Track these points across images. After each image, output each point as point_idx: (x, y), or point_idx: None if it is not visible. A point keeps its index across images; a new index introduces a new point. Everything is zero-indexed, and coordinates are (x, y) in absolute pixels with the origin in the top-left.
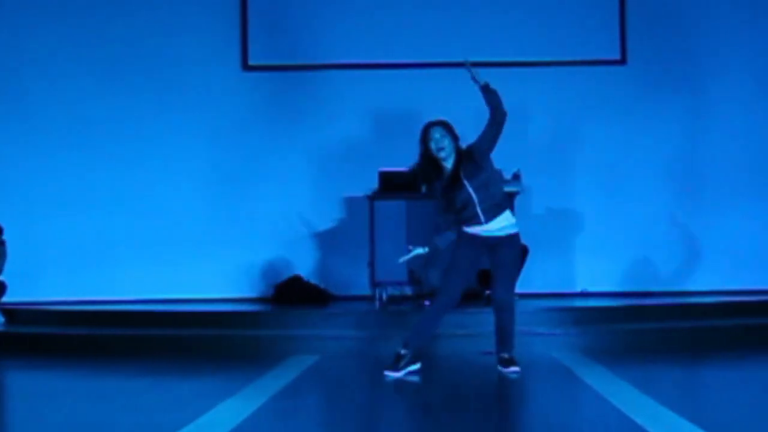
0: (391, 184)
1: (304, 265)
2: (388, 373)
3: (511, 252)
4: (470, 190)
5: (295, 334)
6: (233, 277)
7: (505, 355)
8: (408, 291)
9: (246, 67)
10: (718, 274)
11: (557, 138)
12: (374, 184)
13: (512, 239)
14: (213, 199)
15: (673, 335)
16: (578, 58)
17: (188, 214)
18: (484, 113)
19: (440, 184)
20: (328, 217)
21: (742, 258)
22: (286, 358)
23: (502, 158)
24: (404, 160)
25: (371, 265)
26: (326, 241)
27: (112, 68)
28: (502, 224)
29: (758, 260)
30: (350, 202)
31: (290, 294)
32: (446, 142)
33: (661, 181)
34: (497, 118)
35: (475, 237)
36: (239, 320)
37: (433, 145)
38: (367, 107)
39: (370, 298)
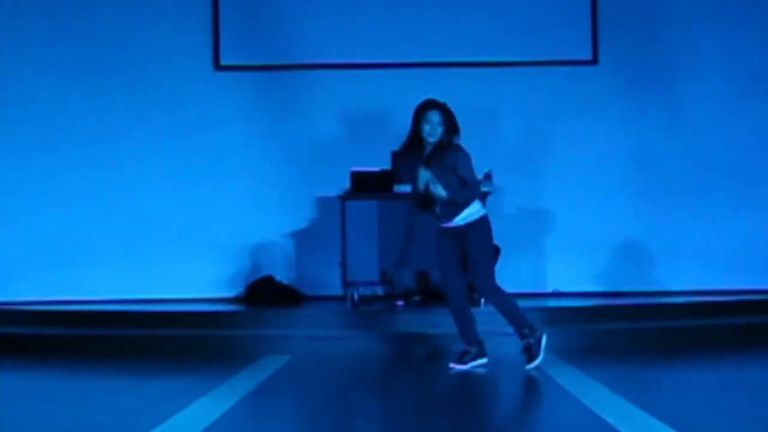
0: (363, 184)
1: (276, 265)
2: (453, 365)
3: (477, 239)
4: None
5: (267, 334)
6: (205, 276)
7: (523, 343)
8: (380, 291)
9: (218, 66)
10: (689, 274)
11: (529, 138)
12: (346, 184)
13: (475, 226)
14: (185, 199)
15: (645, 335)
16: (550, 58)
17: (160, 213)
18: (454, 111)
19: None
20: (300, 217)
21: (714, 258)
22: (259, 358)
23: (473, 158)
24: (376, 160)
25: (343, 265)
26: (298, 241)
27: (82, 68)
28: (462, 214)
29: (729, 260)
30: (322, 202)
31: (262, 294)
32: (439, 131)
33: (633, 181)
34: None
35: (443, 231)
36: (211, 320)
37: (427, 128)
38: (339, 107)
39: (341, 298)
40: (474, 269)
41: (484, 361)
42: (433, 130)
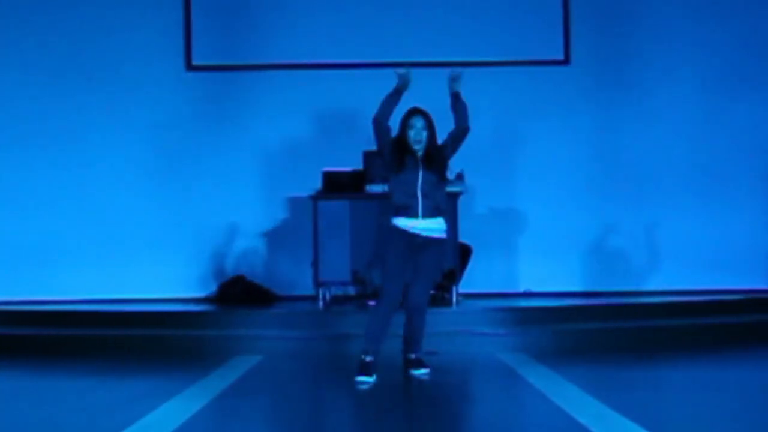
0: (334, 184)
1: (248, 265)
2: (361, 378)
3: (435, 256)
4: (421, 180)
5: (238, 334)
6: (176, 276)
7: (413, 356)
8: (351, 291)
9: (190, 67)
10: (662, 274)
11: (501, 138)
12: (318, 184)
13: (438, 244)
14: (156, 199)
15: (617, 335)
16: (522, 58)
17: (131, 213)
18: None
19: (397, 163)
20: (271, 217)
21: (687, 258)
22: (230, 358)
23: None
24: (347, 160)
25: (315, 265)
26: (270, 241)
27: (53, 66)
28: (432, 226)
29: (702, 260)
30: (294, 202)
31: (234, 294)
32: (424, 135)
33: (605, 180)
34: (464, 129)
35: (403, 234)
36: (183, 320)
37: (412, 134)
38: (310, 107)
39: (313, 298)
40: (419, 282)
41: (371, 380)
42: (417, 135)
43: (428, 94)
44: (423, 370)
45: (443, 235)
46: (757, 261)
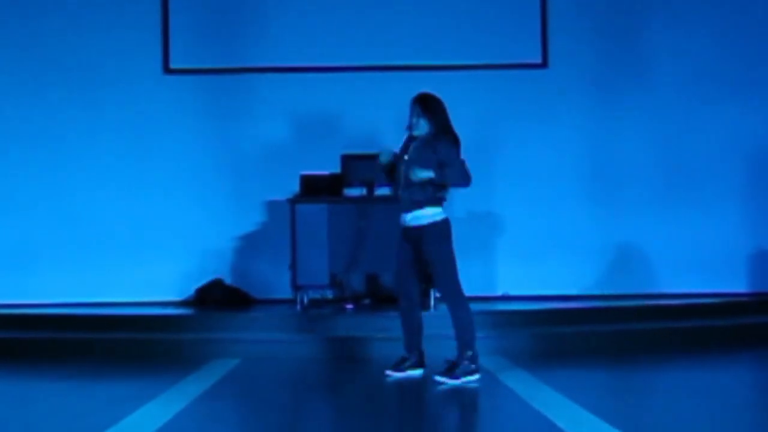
0: (312, 188)
1: (226, 268)
2: (389, 372)
3: (430, 245)
4: (403, 171)
5: (216, 338)
6: (154, 280)
7: (448, 358)
8: (329, 294)
9: (167, 70)
10: (640, 278)
11: (478, 141)
12: (296, 187)
13: (428, 232)
14: (134, 202)
15: (596, 338)
16: (499, 61)
17: (109, 217)
18: (405, 115)
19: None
20: (249, 221)
21: (664, 261)
22: (208, 362)
23: None
24: (326, 164)
25: (293, 268)
26: (248, 244)
27: (32, 71)
28: (415, 215)
29: (680, 263)
30: (272, 206)
31: (211, 297)
32: (422, 123)
33: (584, 184)
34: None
35: (402, 230)
36: (160, 323)
37: (409, 122)
38: (288, 110)
39: (291, 302)
40: (435, 279)
41: (419, 372)
42: (414, 123)
43: (407, 97)
44: (446, 380)
45: (430, 220)
46: (734, 264)
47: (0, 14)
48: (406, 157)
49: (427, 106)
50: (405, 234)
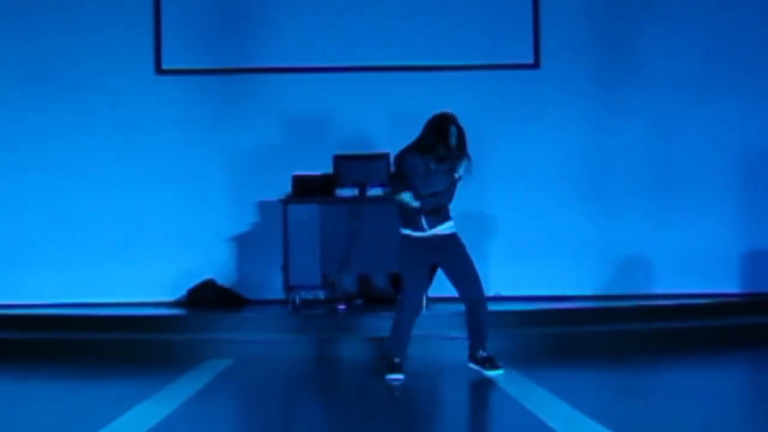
0: (304, 188)
1: (218, 268)
2: (393, 376)
3: (460, 250)
4: (445, 184)
5: (208, 338)
6: (146, 280)
7: (484, 354)
8: (321, 295)
9: (159, 71)
10: (633, 278)
11: (471, 142)
12: (288, 188)
13: (452, 238)
14: (125, 203)
15: (588, 339)
16: (492, 62)
17: (101, 217)
18: (397, 116)
19: (428, 164)
20: (241, 221)
21: (656, 261)
22: (200, 362)
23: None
24: (318, 164)
25: (285, 268)
26: (240, 244)
27: (23, 71)
28: (443, 226)
29: (672, 263)
30: (264, 206)
31: (204, 298)
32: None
33: (576, 184)
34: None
35: (417, 240)
36: (153, 324)
37: (453, 141)
38: (280, 111)
39: (283, 302)
40: (467, 279)
41: (402, 377)
42: (455, 141)
43: (399, 98)
44: (496, 371)
45: (454, 229)
46: (727, 264)
47: None
48: (433, 168)
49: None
50: (425, 242)
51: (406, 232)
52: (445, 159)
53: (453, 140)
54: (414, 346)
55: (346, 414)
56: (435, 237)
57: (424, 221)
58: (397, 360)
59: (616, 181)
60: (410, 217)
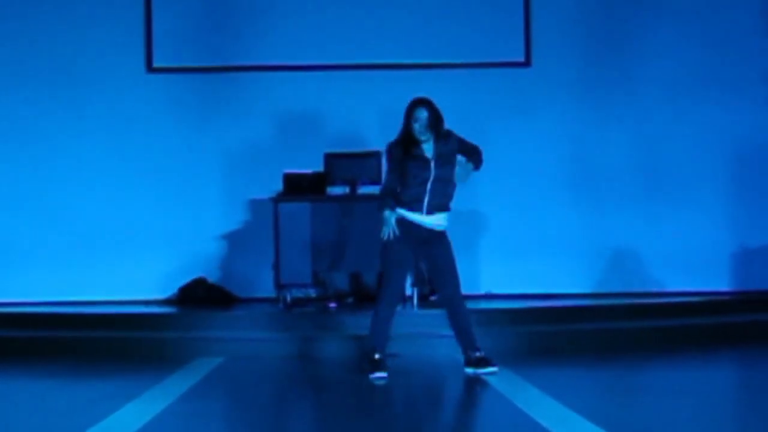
0: (295, 186)
1: (209, 266)
2: (377, 375)
3: (446, 248)
4: (433, 175)
5: (199, 336)
6: (137, 278)
7: (477, 354)
8: (312, 293)
9: (150, 69)
10: (624, 276)
11: None
12: (279, 186)
13: (442, 236)
14: (116, 201)
15: (578, 337)
16: (483, 60)
17: (90, 214)
18: (388, 114)
19: (405, 153)
20: (232, 219)
21: (648, 259)
22: (191, 360)
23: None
24: (309, 162)
25: (276, 267)
26: (231, 242)
27: (15, 70)
28: (438, 221)
29: (664, 262)
30: (255, 204)
31: (194, 296)
32: (429, 126)
33: (567, 182)
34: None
35: (410, 227)
36: (143, 322)
37: (417, 127)
38: (271, 109)
39: (274, 300)
40: (447, 278)
41: (385, 374)
42: (422, 127)
43: (389, 96)
44: (490, 369)
45: (445, 229)
46: (718, 262)
47: None
48: (434, 165)
49: (436, 111)
50: (414, 236)
51: (401, 212)
52: (414, 143)
53: (419, 123)
54: (404, 344)
55: (337, 412)
56: (426, 229)
57: (425, 203)
58: (378, 356)
59: (607, 179)
60: (413, 195)
